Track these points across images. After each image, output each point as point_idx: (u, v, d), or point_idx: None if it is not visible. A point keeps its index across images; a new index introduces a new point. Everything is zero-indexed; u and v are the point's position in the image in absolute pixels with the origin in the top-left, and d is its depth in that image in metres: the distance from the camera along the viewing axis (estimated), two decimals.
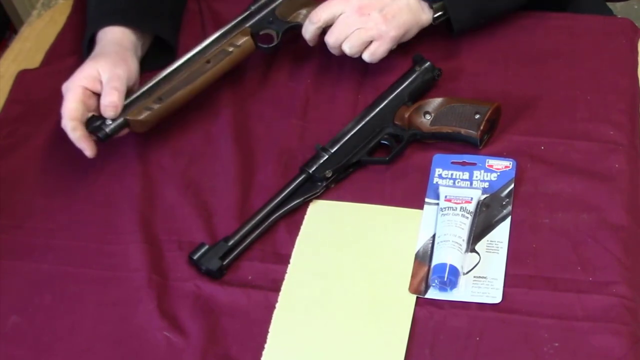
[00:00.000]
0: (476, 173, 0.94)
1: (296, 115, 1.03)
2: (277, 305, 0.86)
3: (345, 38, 0.98)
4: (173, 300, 0.88)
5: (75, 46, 1.15)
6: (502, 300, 0.84)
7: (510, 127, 0.98)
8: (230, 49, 1.00)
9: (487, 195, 0.92)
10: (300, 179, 0.94)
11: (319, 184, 0.94)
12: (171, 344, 0.84)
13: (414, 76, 1.01)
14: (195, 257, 0.89)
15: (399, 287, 0.86)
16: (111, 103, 0.94)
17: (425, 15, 1.01)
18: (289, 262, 0.89)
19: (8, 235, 0.95)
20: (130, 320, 0.86)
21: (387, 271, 0.87)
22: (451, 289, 0.85)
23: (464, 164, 0.95)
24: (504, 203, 0.91)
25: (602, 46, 1.06)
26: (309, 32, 1.01)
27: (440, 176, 0.94)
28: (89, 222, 0.95)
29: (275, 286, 0.88)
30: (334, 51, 1.01)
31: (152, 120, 0.97)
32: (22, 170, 1.02)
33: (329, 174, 0.94)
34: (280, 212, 0.92)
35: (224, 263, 0.88)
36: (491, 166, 0.94)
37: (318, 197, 0.94)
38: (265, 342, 0.83)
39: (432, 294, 0.85)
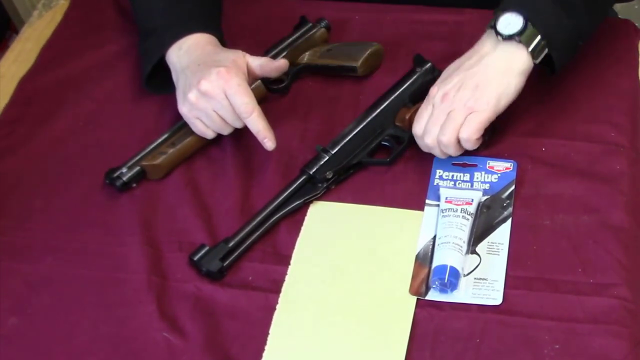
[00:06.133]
0: (477, 174, 0.94)
1: (297, 116, 1.03)
2: (278, 306, 0.86)
3: (437, 133, 0.91)
4: (173, 301, 0.88)
5: (71, 44, 1.16)
6: (502, 302, 0.83)
7: (511, 129, 0.98)
8: None
9: (488, 196, 0.92)
10: (301, 180, 0.94)
11: (320, 185, 0.94)
12: (171, 345, 0.84)
13: (414, 77, 1.00)
14: (196, 258, 0.88)
15: (400, 289, 0.86)
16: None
17: (519, 57, 0.90)
18: (289, 263, 0.89)
19: (7, 236, 0.95)
20: (129, 322, 0.86)
21: (388, 273, 0.87)
22: (452, 290, 0.84)
23: (464, 165, 0.95)
24: (504, 204, 0.91)
25: (602, 47, 1.06)
26: (423, 147, 0.94)
27: (440, 177, 0.94)
28: (88, 224, 0.95)
29: (275, 287, 0.87)
30: (435, 151, 0.93)
31: (166, 164, 0.98)
32: (21, 171, 1.02)
33: (329, 175, 0.94)
34: (281, 213, 0.92)
35: (225, 264, 0.88)
36: (492, 167, 0.94)
37: (319, 198, 0.94)
38: (265, 343, 0.83)
39: (433, 295, 0.85)
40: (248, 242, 0.90)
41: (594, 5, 0.94)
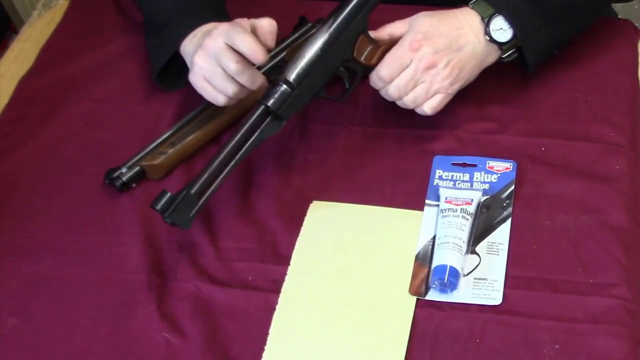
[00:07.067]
0: (476, 174, 0.94)
1: (297, 116, 1.03)
2: (277, 306, 0.86)
3: (410, 91, 0.93)
4: (173, 301, 0.88)
5: (72, 44, 1.16)
6: (502, 302, 0.83)
7: (511, 129, 0.98)
8: None
9: (488, 196, 0.92)
10: (259, 113, 0.89)
11: (280, 122, 0.90)
12: (171, 345, 0.84)
13: None
14: (159, 207, 0.84)
15: (399, 289, 0.86)
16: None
17: (492, 57, 0.95)
18: (289, 263, 0.89)
19: (7, 236, 0.95)
20: (129, 322, 0.86)
21: (388, 273, 0.87)
22: (451, 290, 0.84)
23: (464, 165, 0.95)
24: (504, 204, 0.91)
25: (602, 47, 1.06)
26: (378, 86, 0.95)
27: (440, 177, 0.94)
28: (88, 224, 0.95)
29: (275, 287, 0.88)
30: (389, 98, 0.95)
31: (166, 164, 0.98)
32: (21, 171, 1.02)
33: (292, 114, 0.90)
34: (243, 150, 0.88)
35: (191, 215, 0.86)
36: (492, 168, 0.94)
37: (318, 199, 0.94)
38: (265, 343, 0.83)
39: (433, 295, 0.85)
40: (213, 186, 0.87)
41: (571, 18, 0.97)
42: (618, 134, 0.96)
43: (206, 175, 0.87)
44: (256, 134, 0.90)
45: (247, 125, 0.89)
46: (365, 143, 1.00)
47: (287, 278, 0.88)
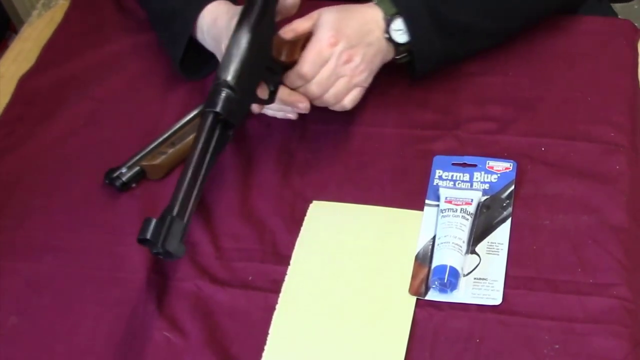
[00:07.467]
0: (476, 174, 0.94)
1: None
2: (277, 306, 0.86)
3: (331, 87, 0.92)
4: (173, 300, 0.88)
5: (72, 43, 1.16)
6: (502, 302, 0.83)
7: (511, 129, 0.98)
8: None
9: (488, 196, 0.92)
10: (210, 122, 0.83)
11: (230, 130, 0.85)
12: (171, 344, 0.84)
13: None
14: (149, 236, 0.75)
15: (399, 289, 0.86)
16: None
17: (389, 55, 0.96)
18: (289, 263, 0.89)
19: (7, 235, 0.95)
20: (130, 321, 0.86)
21: (387, 273, 0.87)
22: (451, 290, 0.85)
23: (464, 165, 0.95)
24: (504, 204, 0.91)
25: (602, 47, 1.06)
26: (295, 86, 0.92)
27: (440, 177, 0.94)
28: (88, 223, 0.95)
29: (275, 287, 0.88)
30: (316, 102, 0.93)
31: (166, 164, 0.98)
32: (21, 170, 1.02)
33: (241, 120, 0.86)
34: (204, 170, 0.82)
35: (181, 241, 0.78)
36: (491, 168, 0.94)
37: (318, 199, 0.94)
38: (265, 343, 0.83)
39: (432, 295, 0.85)
40: (189, 208, 0.80)
41: (467, 39, 0.99)
42: (618, 134, 0.96)
43: (180, 197, 0.80)
44: (212, 145, 0.83)
45: (202, 139, 0.82)
46: (365, 143, 1.00)
47: (287, 278, 0.88)
